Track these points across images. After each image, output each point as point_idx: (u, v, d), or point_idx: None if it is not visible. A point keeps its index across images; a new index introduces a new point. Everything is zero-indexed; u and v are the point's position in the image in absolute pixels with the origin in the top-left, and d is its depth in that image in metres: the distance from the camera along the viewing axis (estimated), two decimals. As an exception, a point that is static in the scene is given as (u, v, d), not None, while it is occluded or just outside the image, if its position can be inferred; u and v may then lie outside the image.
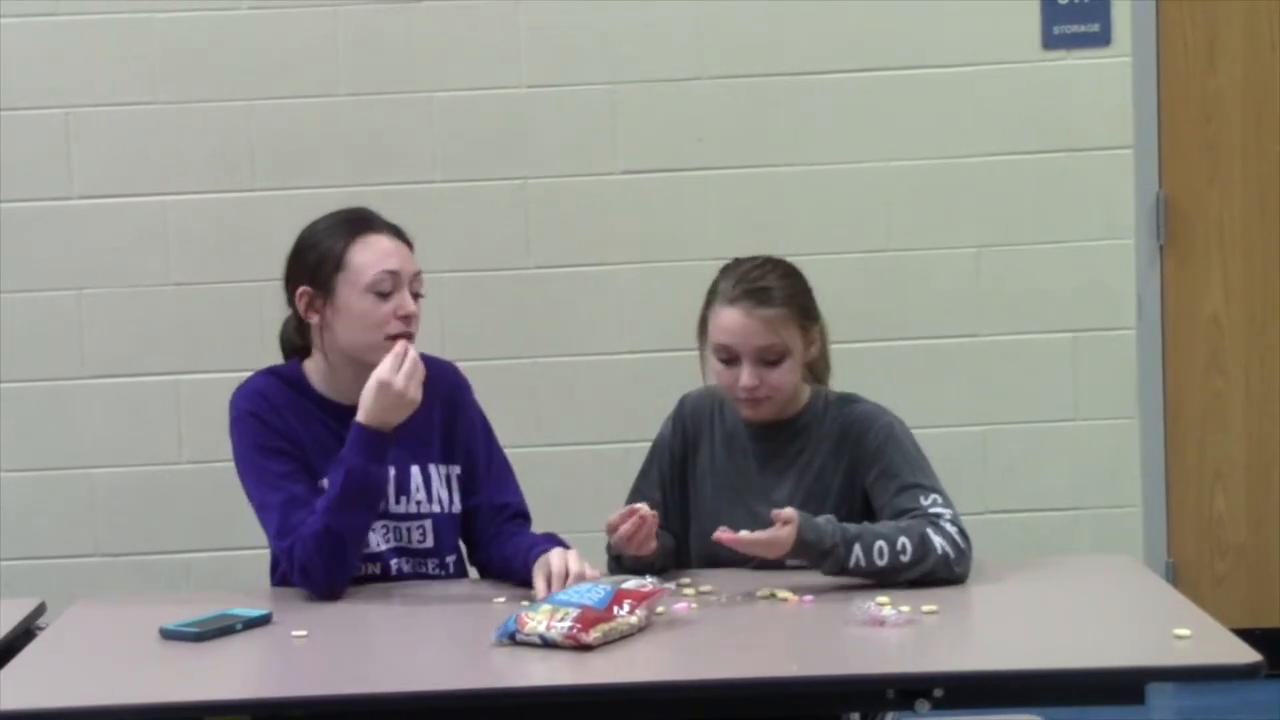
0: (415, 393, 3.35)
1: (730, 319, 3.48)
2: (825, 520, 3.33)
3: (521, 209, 5.14)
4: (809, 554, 3.31)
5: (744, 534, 3.31)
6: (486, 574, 3.60)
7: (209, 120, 5.09)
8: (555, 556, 3.33)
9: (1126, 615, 3.30)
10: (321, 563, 3.37)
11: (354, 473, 3.36)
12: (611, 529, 3.38)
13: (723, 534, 3.31)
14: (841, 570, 3.31)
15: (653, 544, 3.39)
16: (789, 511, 3.31)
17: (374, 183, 4.88)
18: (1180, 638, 3.02)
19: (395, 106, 5.12)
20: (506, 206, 5.15)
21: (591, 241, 5.19)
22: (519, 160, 5.14)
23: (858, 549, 3.31)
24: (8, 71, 5.07)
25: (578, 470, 4.82)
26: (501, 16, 5.09)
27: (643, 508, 3.38)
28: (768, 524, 3.37)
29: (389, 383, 3.33)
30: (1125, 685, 3.07)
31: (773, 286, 3.49)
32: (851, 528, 3.33)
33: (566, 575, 3.26)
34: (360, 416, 3.37)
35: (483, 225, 5.10)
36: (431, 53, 5.12)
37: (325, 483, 3.42)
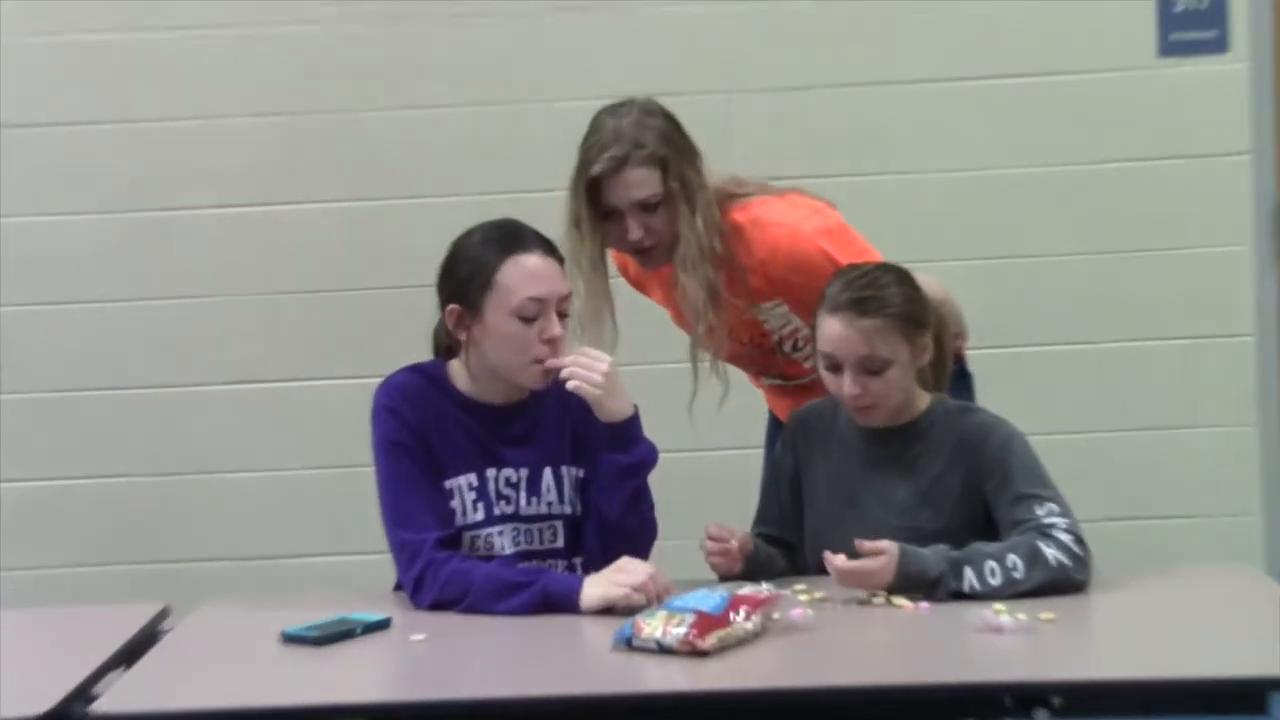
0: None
1: (831, 328, 3.42)
2: (930, 550, 3.28)
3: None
4: (915, 585, 3.25)
5: (840, 561, 3.26)
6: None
7: (333, 130, 5.17)
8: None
9: (1247, 624, 3.23)
10: (434, 598, 3.34)
11: (534, 601, 3.29)
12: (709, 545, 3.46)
13: (828, 556, 3.28)
14: (958, 595, 3.26)
15: (736, 568, 3.43)
16: (885, 543, 3.26)
17: (495, 191, 4.86)
18: (1304, 647, 2.98)
19: (516, 115, 5.15)
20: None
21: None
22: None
23: (969, 572, 3.25)
24: (147, 82, 5.17)
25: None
26: (617, 29, 5.12)
27: (735, 539, 3.44)
28: (882, 526, 3.35)
29: (615, 597, 3.26)
30: (1247, 695, 3.04)
31: (877, 296, 3.41)
32: (957, 552, 3.27)
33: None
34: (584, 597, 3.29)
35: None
36: (551, 65, 5.14)
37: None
